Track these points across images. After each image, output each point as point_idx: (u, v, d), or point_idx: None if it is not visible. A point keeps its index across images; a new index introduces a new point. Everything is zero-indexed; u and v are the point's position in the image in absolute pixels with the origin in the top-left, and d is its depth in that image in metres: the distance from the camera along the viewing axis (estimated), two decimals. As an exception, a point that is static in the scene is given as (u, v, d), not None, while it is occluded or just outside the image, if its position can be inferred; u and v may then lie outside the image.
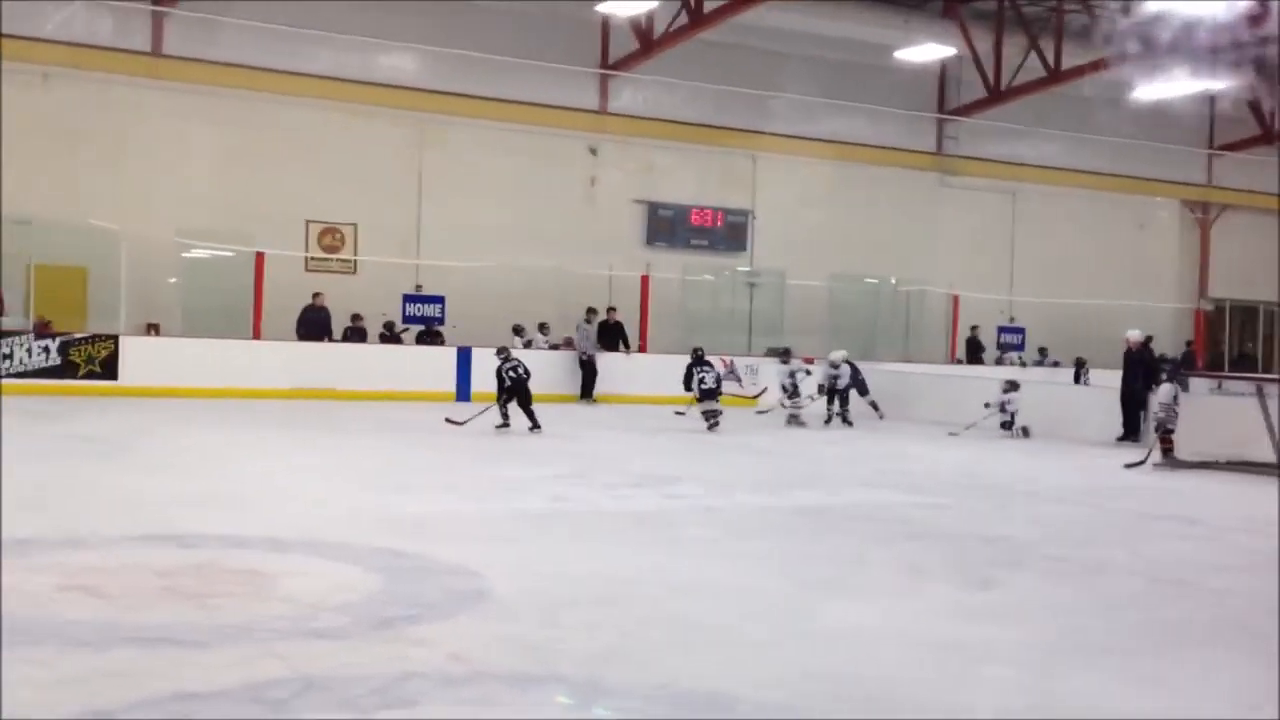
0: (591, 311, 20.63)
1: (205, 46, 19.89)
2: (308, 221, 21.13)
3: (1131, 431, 16.08)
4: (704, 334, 22.21)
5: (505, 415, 14.40)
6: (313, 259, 21.12)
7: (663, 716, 4.53)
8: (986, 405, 16.88)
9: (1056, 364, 25.65)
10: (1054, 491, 11.82)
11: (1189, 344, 26.55)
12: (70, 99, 19.29)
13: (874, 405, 18.22)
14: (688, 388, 16.13)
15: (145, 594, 5.88)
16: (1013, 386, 17.08)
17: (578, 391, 19.90)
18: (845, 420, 17.53)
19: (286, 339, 19.14)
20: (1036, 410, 17.58)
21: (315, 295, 19.76)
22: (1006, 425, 16.76)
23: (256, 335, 18.81)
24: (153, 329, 19.02)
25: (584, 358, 20.04)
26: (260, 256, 19.01)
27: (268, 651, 4.99)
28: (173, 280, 19.60)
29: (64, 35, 18.83)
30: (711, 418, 15.53)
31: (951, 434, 16.54)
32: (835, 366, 17.73)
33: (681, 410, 16.51)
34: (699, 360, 16.17)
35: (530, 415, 14.31)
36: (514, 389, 14.48)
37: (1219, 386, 17.28)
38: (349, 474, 10.82)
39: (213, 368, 17.61)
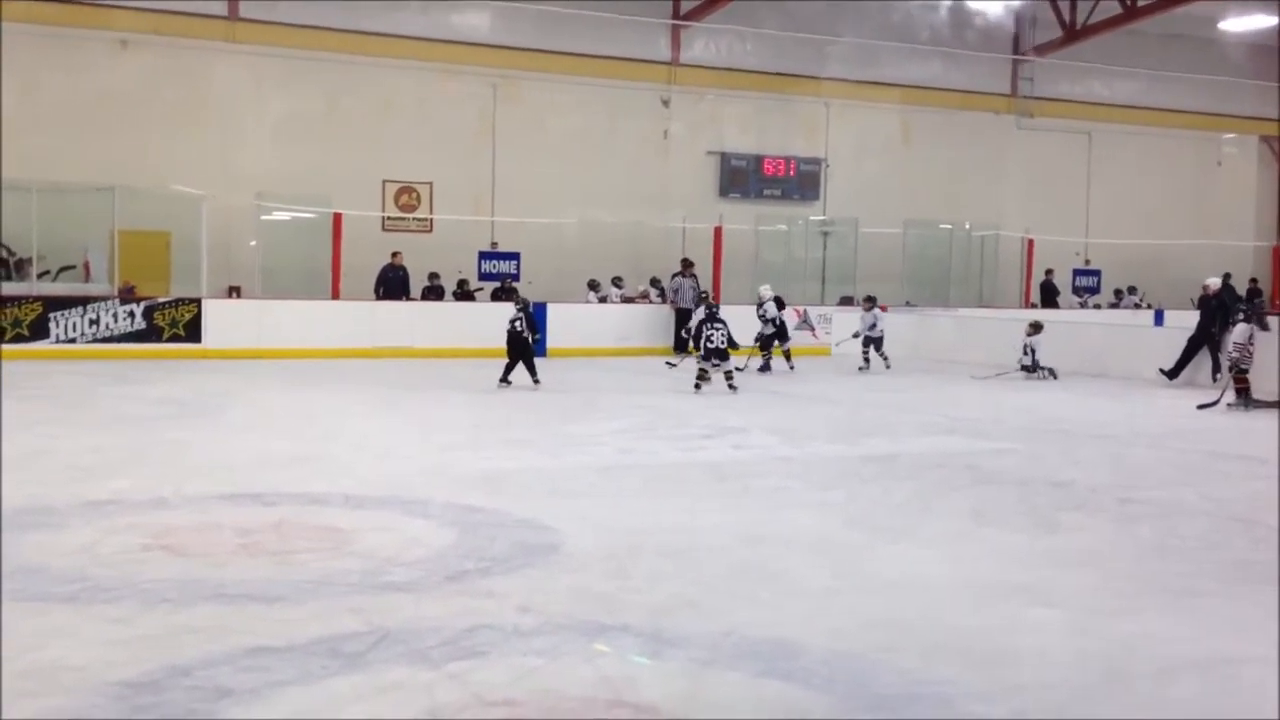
0: (686, 263, 20.62)
1: (280, 10, 20.10)
2: (384, 181, 21.34)
3: (1176, 371, 15.95)
4: (778, 284, 22.08)
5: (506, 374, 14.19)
6: (389, 219, 21.35)
7: (727, 664, 4.62)
8: (1020, 363, 16.75)
9: (1137, 305, 25.21)
10: (1123, 434, 11.71)
11: (1253, 281, 25.92)
12: (149, 65, 19.63)
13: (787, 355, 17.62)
14: (697, 344, 14.94)
15: (226, 551, 6.10)
16: (1036, 329, 16.92)
17: (658, 344, 19.85)
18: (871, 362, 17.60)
19: (365, 299, 19.41)
20: (1109, 352, 17.43)
21: (394, 255, 19.98)
22: (1029, 368, 16.61)
23: (335, 295, 19.10)
24: (234, 291, 19.41)
25: (679, 309, 19.97)
26: (338, 217, 19.27)
27: (343, 605, 5.16)
28: (253, 243, 19.95)
29: (142, 2, 19.13)
30: (728, 378, 14.25)
31: (975, 377, 16.45)
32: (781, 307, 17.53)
33: (673, 362, 16.46)
34: (711, 317, 14.68)
35: (531, 370, 14.11)
36: (510, 342, 14.22)
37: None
38: (424, 431, 11.02)
39: (293, 329, 17.94)
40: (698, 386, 14.13)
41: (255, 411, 12.32)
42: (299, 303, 18.66)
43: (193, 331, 17.37)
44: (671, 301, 20.05)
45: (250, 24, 19.97)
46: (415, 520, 6.96)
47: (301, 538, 6.42)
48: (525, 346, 14.19)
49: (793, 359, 17.45)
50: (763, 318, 17.18)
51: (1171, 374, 16.11)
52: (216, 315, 17.66)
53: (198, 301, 17.61)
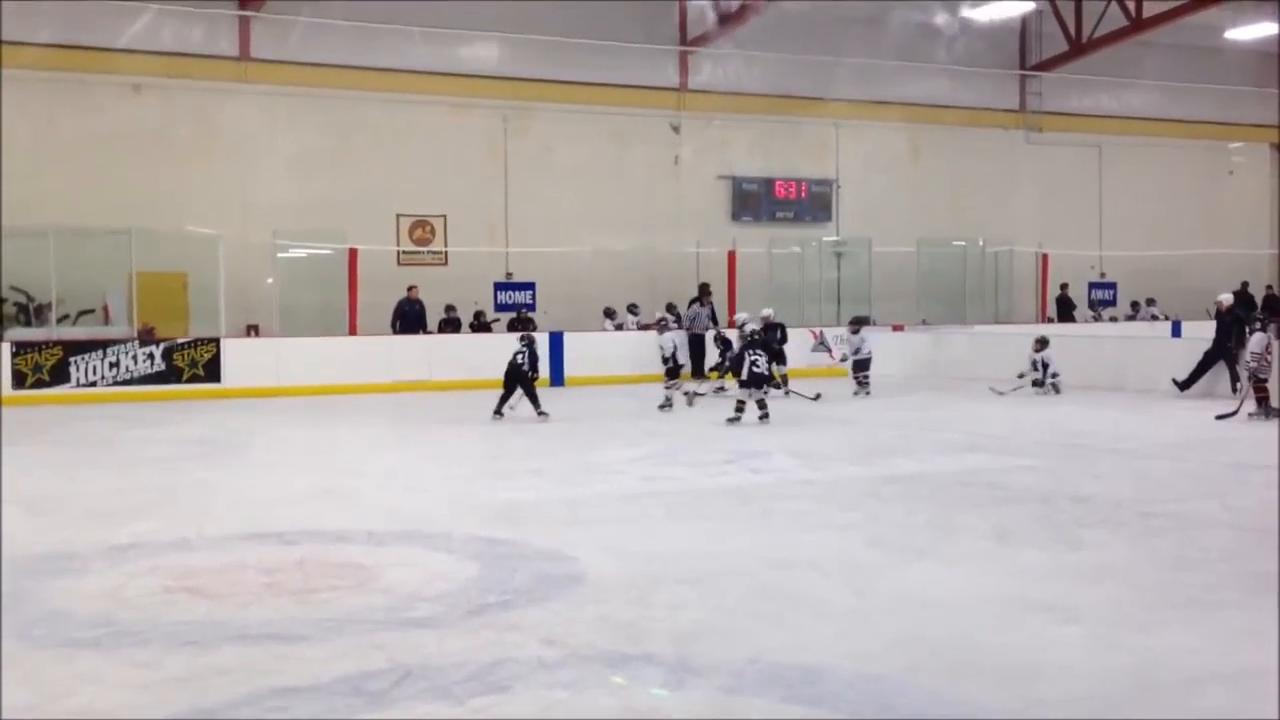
0: (703, 289, 20.63)
1: (290, 48, 20.30)
2: (398, 215, 21.48)
3: (1190, 383, 15.91)
4: (792, 306, 22.17)
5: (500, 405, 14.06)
6: (404, 252, 21.47)
7: (752, 691, 4.62)
8: (1020, 376, 16.70)
9: (1155, 317, 25.12)
10: (1143, 447, 11.68)
11: (1269, 289, 25.81)
12: (162, 107, 19.83)
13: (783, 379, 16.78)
14: (736, 373, 14.12)
15: (250, 591, 6.12)
16: (1043, 344, 16.88)
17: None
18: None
19: (382, 333, 19.50)
20: (1126, 365, 17.45)
21: (410, 288, 20.08)
22: (1038, 383, 16.61)
23: (353, 331, 19.19)
24: (252, 330, 19.53)
25: (693, 335, 19.93)
26: (353, 253, 19.38)
27: (367, 643, 5.18)
28: (269, 281, 20.09)
29: (154, 45, 19.34)
30: (760, 407, 13.55)
31: (995, 391, 16.47)
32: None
33: (700, 391, 16.39)
34: (753, 343, 14.06)
35: (534, 402, 14.01)
36: (509, 373, 14.12)
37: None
38: (445, 464, 11.05)
39: (312, 365, 18.01)
40: (734, 419, 13.43)
41: (276, 449, 12.38)
42: (317, 339, 18.75)
43: (212, 371, 17.47)
44: (687, 328, 20.07)
45: (260, 64, 20.18)
46: (438, 554, 6.98)
47: (324, 576, 6.44)
48: (524, 379, 14.13)
49: (787, 383, 16.93)
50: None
51: (1184, 385, 16.05)
52: (235, 354, 17.76)
53: (216, 341, 17.71)
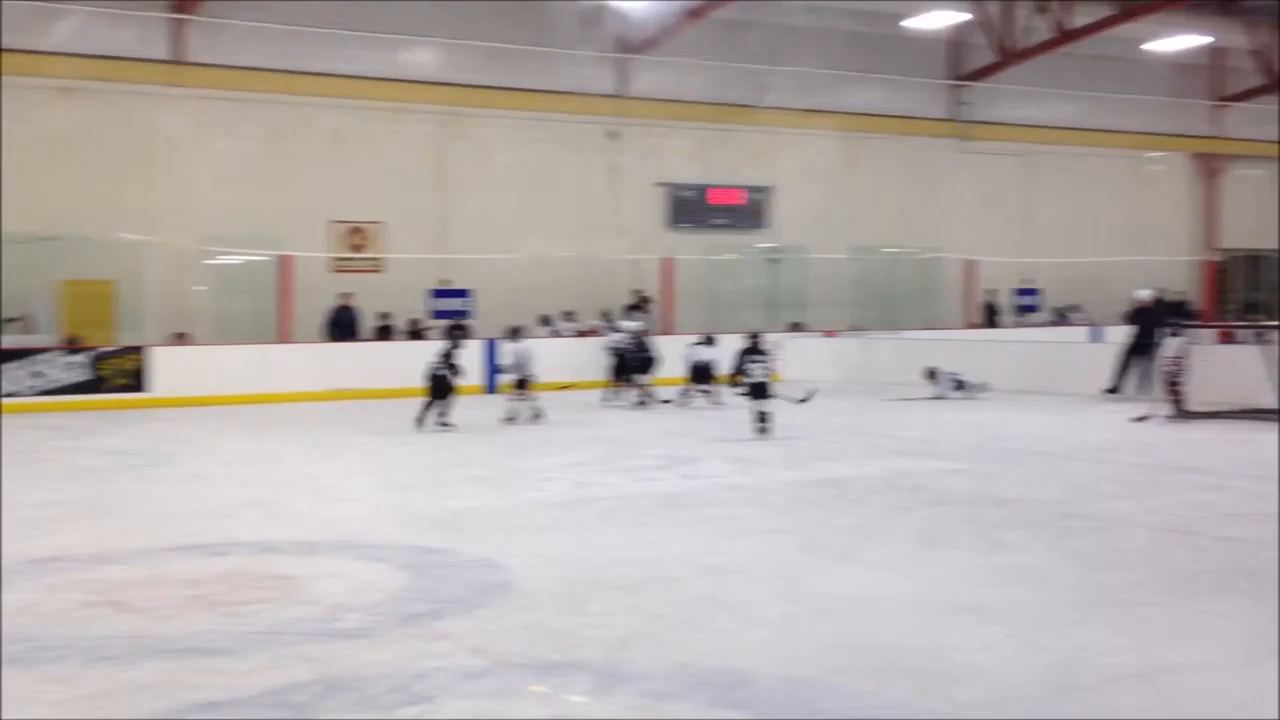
0: (645, 299, 20.62)
1: (224, 52, 20.05)
2: (333, 222, 21.30)
3: (1119, 386, 16.22)
4: (728, 313, 22.29)
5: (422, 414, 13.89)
6: (339, 259, 21.28)
7: (681, 696, 4.64)
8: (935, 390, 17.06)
9: (1087, 324, 25.46)
10: (1065, 450, 11.88)
11: (1180, 295, 26.31)
12: (90, 111, 19.50)
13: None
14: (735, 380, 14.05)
15: (174, 605, 6.04)
16: (932, 375, 17.20)
17: (607, 378, 19.82)
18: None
19: (315, 341, 19.32)
20: (1049, 369, 17.77)
21: (344, 295, 19.92)
22: (959, 386, 17.02)
23: (285, 339, 19.00)
24: (181, 338, 19.27)
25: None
26: (286, 259, 19.18)
27: (292, 655, 5.13)
28: (200, 288, 19.84)
29: (83, 47, 19.01)
30: (760, 419, 12.81)
31: (904, 399, 16.82)
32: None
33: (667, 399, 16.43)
34: (754, 348, 13.58)
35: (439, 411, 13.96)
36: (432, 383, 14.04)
37: (1221, 338, 17.40)
38: (378, 473, 10.98)
39: (243, 374, 17.79)
40: (762, 430, 12.67)
41: (204, 460, 12.21)
42: (248, 347, 18.54)
43: (139, 380, 17.19)
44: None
45: (193, 67, 19.92)
46: (367, 564, 6.94)
47: (251, 587, 6.38)
48: (444, 386, 14.06)
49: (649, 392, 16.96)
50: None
51: (1113, 390, 16.34)
52: (164, 363, 17.49)
53: (143, 349, 17.44)
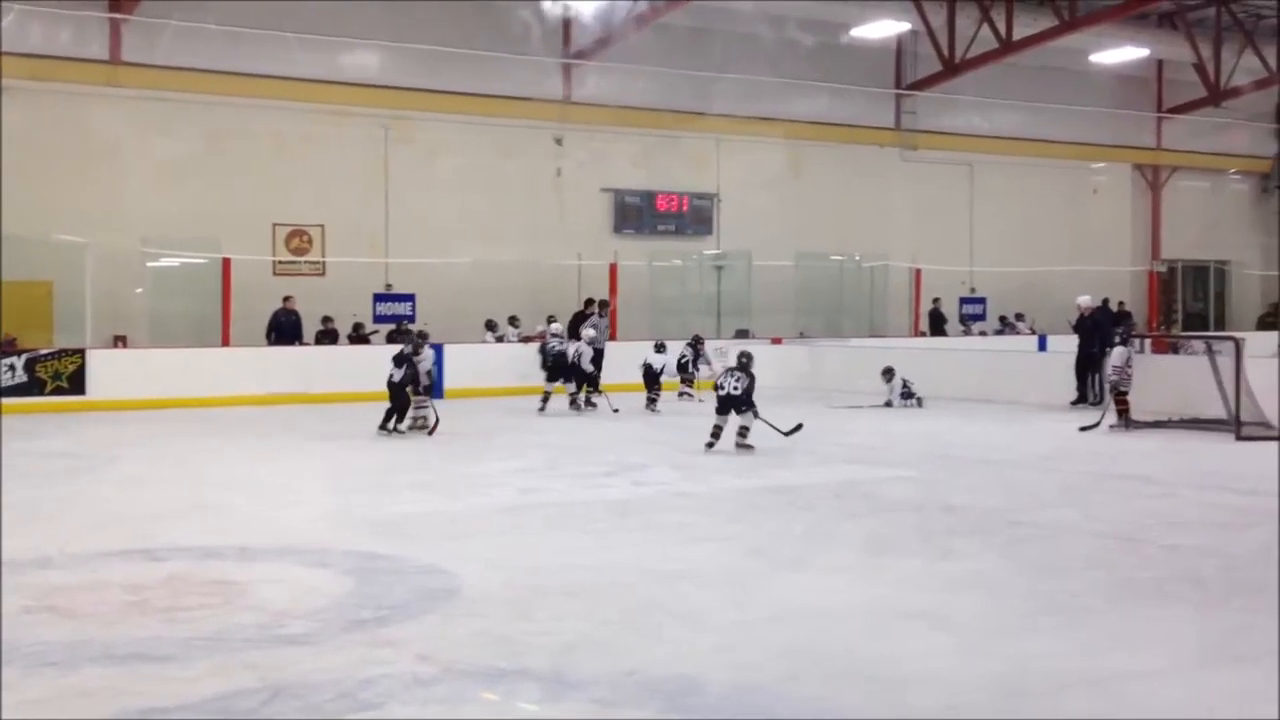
0: (603, 304, 20.52)
1: (164, 52, 19.73)
2: (274, 224, 21.05)
3: (1085, 395, 16.44)
4: (673, 319, 22.32)
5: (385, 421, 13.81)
6: (280, 262, 21.03)
7: (629, 703, 4.61)
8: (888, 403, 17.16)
9: (1032, 331, 25.75)
10: (1011, 458, 11.99)
11: (1121, 304, 26.72)
12: (27, 111, 19.11)
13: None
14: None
15: (115, 610, 5.93)
16: (890, 375, 17.36)
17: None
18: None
19: (257, 344, 19.09)
20: (995, 378, 17.93)
21: (285, 299, 19.70)
22: (904, 396, 17.14)
23: (226, 342, 18.75)
24: (120, 341, 18.96)
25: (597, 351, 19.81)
26: (227, 262, 18.93)
27: (237, 661, 5.05)
28: (139, 290, 19.53)
29: (18, 46, 18.64)
30: (741, 435, 12.24)
31: (831, 406, 16.99)
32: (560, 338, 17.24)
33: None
34: (737, 367, 12.56)
35: (397, 417, 13.85)
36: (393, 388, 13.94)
37: (1165, 347, 17.65)
38: (322, 478, 10.85)
39: (183, 377, 17.54)
40: (709, 445, 12.20)
41: (145, 463, 12.01)
42: (188, 350, 18.30)
43: (77, 383, 16.88)
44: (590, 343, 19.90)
45: (132, 67, 19.61)
46: (312, 570, 6.85)
47: (193, 593, 6.27)
48: (402, 394, 13.92)
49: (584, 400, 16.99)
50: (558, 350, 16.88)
51: (1077, 402, 16.50)
52: (102, 365, 17.20)
53: (81, 352, 17.14)
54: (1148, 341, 17.19)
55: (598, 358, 18.18)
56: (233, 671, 4.91)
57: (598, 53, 22.74)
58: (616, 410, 16.18)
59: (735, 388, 12.18)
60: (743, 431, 12.23)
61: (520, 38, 22.11)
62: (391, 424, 13.81)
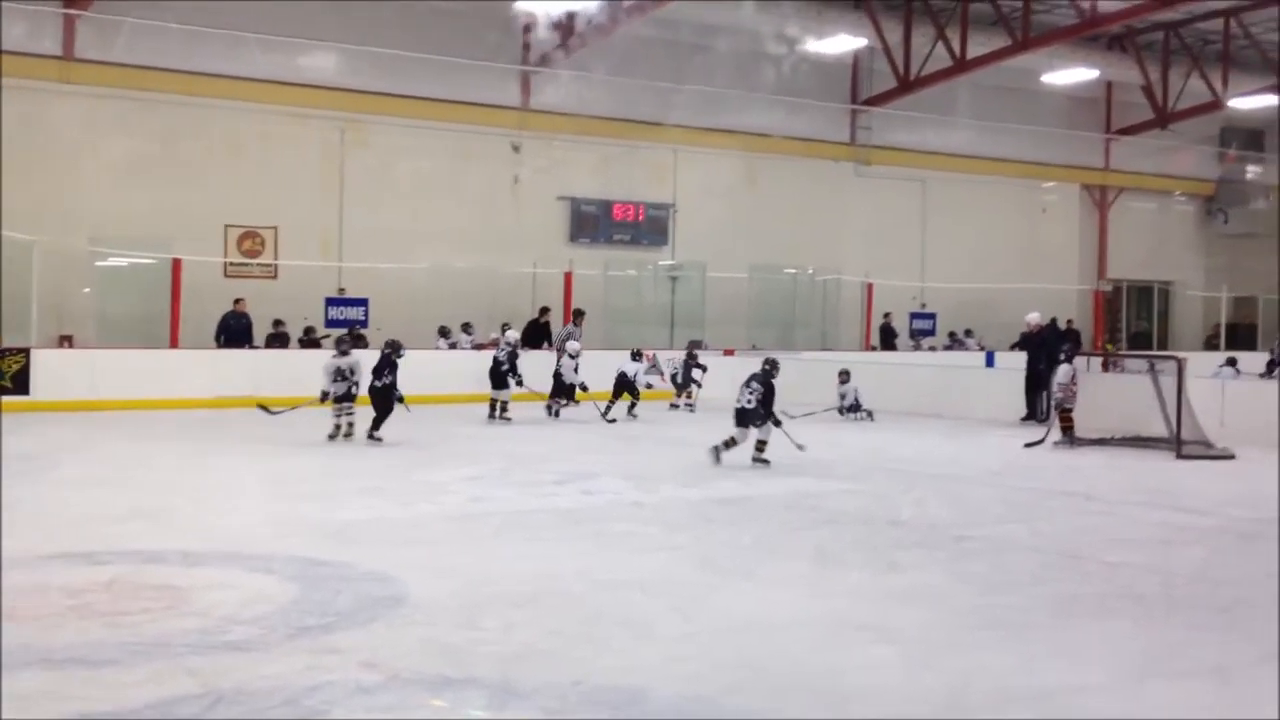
0: (578, 313, 20.44)
1: (119, 49, 19.53)
2: (227, 226, 20.87)
3: (1033, 412, 16.62)
4: (627, 329, 22.33)
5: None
6: (232, 264, 20.86)
7: (575, 713, 4.61)
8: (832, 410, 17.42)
9: (982, 348, 25.97)
10: (958, 472, 12.09)
11: (1070, 322, 27.06)
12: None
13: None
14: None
15: (55, 614, 5.84)
16: (845, 377, 17.66)
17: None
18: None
19: (206, 347, 18.92)
20: (945, 393, 18.09)
21: (236, 301, 19.52)
22: (849, 409, 17.39)
23: (174, 344, 18.56)
24: (66, 341, 18.71)
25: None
26: (177, 263, 18.75)
27: (179, 667, 5.00)
28: (86, 290, 19.28)
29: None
30: (758, 449, 12.02)
31: (789, 415, 16.95)
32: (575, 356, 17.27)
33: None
34: (754, 376, 12.24)
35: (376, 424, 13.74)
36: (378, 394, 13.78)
37: (1109, 365, 17.88)
38: (269, 483, 10.76)
39: (130, 378, 17.31)
40: (716, 455, 11.96)
41: (88, 465, 11.84)
42: (136, 351, 18.08)
43: (21, 383, 16.63)
44: (558, 347, 19.82)
45: (85, 64, 19.40)
46: (257, 576, 6.78)
47: (135, 597, 6.20)
48: (386, 399, 13.78)
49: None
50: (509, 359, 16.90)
51: (1026, 418, 16.66)
52: (47, 365, 16.96)
53: (26, 352, 16.89)
54: (1094, 359, 17.41)
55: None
56: (174, 677, 4.85)
57: (557, 60, 22.74)
58: (613, 420, 16.44)
59: (749, 400, 11.87)
60: (759, 446, 11.98)
61: (480, 43, 22.13)
62: (379, 431, 13.67)
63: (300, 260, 21.00)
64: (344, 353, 14.20)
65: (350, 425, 13.72)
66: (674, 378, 18.88)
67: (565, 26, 21.62)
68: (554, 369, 17.20)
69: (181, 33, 19.74)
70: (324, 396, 13.83)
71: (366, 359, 14.37)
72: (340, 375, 13.78)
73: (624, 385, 17.24)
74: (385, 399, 13.83)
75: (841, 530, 8.70)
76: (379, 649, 5.35)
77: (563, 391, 17.02)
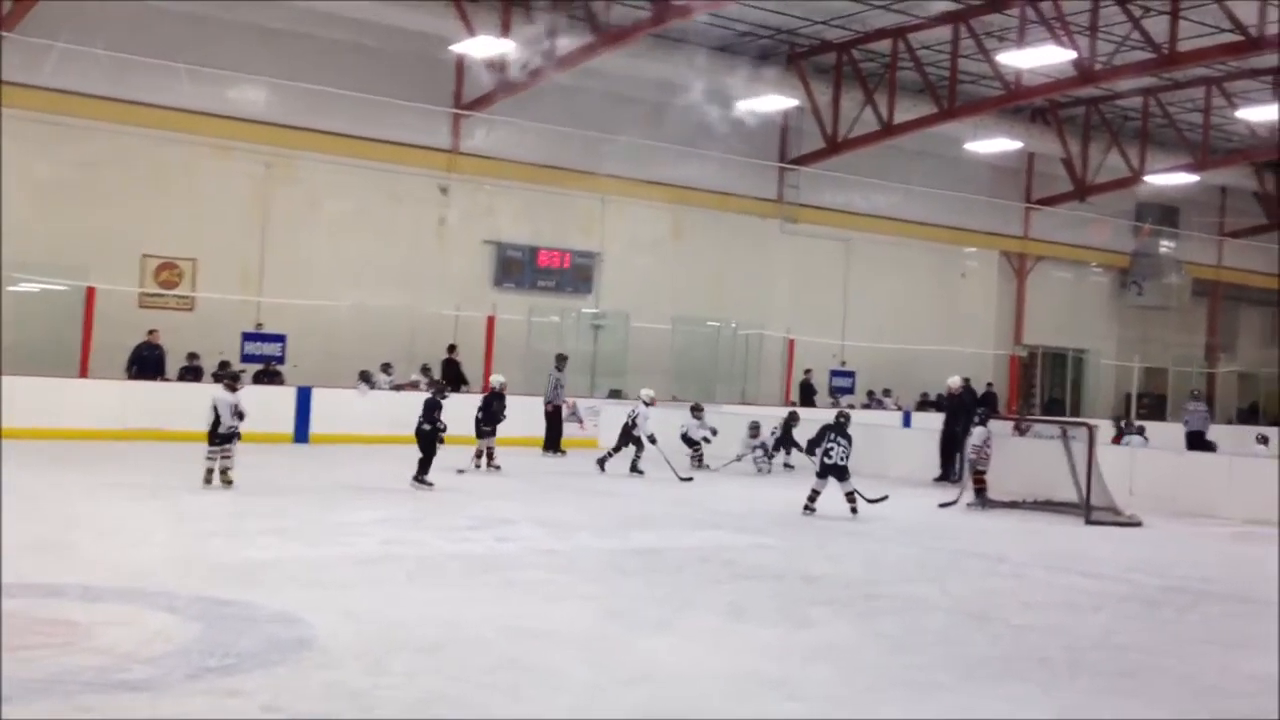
0: (561, 358, 20.24)
1: (44, 73, 19.20)
2: (144, 255, 20.53)
3: (948, 473, 16.84)
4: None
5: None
6: (147, 294, 20.50)
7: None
8: (738, 459, 17.91)
9: (900, 408, 26.30)
10: (872, 530, 12.18)
11: (989, 385, 27.51)
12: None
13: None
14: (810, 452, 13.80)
15: (-55, 647, 5.66)
16: (755, 430, 18.13)
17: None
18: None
19: (117, 378, 18.53)
20: (860, 451, 18.22)
21: (150, 333, 19.18)
22: (768, 454, 17.92)
23: (84, 373, 18.17)
24: (-27, 366, 18.25)
25: (549, 408, 19.64)
26: (91, 291, 18.40)
27: (74, 705, 4.87)
28: (-5, 315, 18.83)
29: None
30: (849, 500, 12.83)
31: (710, 469, 17.46)
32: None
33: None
34: (839, 428, 13.15)
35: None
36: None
37: (1020, 430, 18.20)
38: (176, 519, 10.56)
39: (36, 407, 16.89)
40: (808, 509, 12.81)
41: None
42: (43, 380, 17.61)
43: (-76, 408, 16.15)
44: (549, 400, 19.62)
45: (8, 86, 19.04)
46: (159, 613, 6.63)
47: (31, 632, 6.02)
48: (431, 442, 13.56)
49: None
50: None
51: (940, 478, 16.88)
52: (-49, 391, 16.50)
53: (-69, 376, 16.42)
54: (1007, 423, 17.70)
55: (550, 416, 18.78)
56: (69, 716, 4.72)
57: (487, 105, 22.79)
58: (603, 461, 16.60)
59: (843, 456, 12.81)
60: (850, 497, 12.78)
61: (412, 85, 22.11)
62: (425, 475, 13.44)
63: (219, 293, 20.70)
64: (442, 392, 14.18)
65: (227, 470, 12.80)
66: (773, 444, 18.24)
67: (498, 64, 21.63)
68: (626, 421, 16.97)
69: (110, 59, 19.48)
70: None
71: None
72: (237, 414, 12.96)
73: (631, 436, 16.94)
74: (431, 442, 13.64)
75: (755, 585, 8.71)
76: (281, 692, 5.25)
77: (631, 441, 16.81)
